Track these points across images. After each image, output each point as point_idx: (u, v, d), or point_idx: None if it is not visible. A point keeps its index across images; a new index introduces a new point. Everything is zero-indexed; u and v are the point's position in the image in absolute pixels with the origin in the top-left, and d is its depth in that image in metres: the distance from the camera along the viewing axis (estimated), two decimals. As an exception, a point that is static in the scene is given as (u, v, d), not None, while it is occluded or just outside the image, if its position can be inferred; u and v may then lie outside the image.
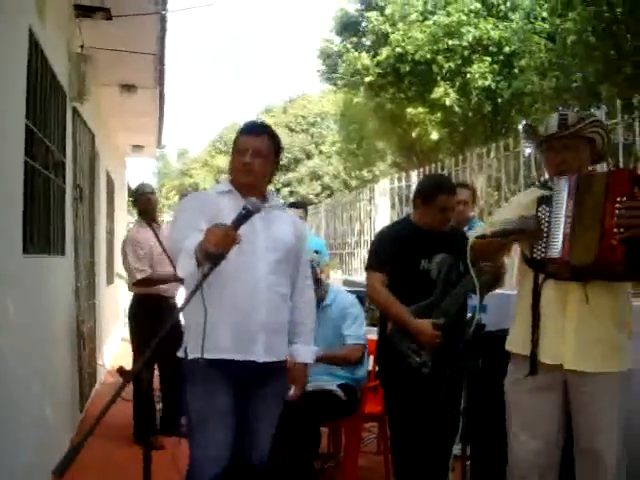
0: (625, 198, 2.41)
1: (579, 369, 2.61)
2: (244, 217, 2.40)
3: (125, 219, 12.52)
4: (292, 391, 2.96)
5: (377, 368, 4.05)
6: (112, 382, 6.74)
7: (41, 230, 4.03)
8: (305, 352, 2.96)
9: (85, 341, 5.76)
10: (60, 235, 4.66)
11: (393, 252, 3.52)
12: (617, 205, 2.41)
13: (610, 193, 2.44)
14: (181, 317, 2.71)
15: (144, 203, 5.33)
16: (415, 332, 3.37)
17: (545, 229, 2.57)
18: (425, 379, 3.36)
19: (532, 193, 2.88)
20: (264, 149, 2.81)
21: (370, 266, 3.64)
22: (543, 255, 2.56)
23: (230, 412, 2.66)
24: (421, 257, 3.51)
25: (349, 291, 4.91)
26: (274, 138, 2.91)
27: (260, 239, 2.73)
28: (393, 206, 9.43)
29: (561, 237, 2.51)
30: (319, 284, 4.23)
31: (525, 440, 2.73)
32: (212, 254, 2.25)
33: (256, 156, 2.77)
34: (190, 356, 2.63)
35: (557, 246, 2.51)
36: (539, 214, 2.60)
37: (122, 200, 12.02)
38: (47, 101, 4.21)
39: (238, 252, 2.44)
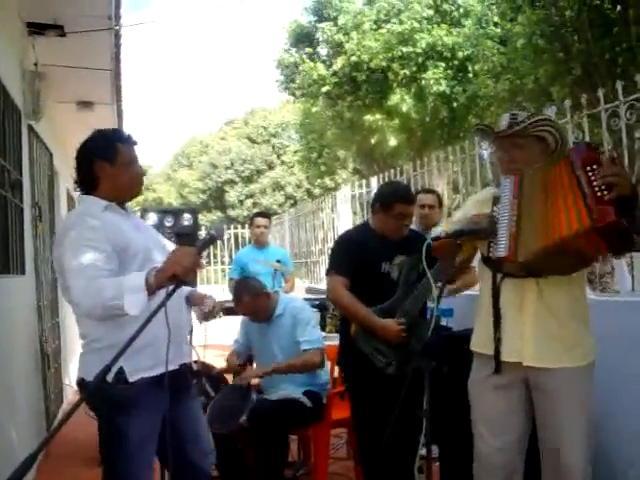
0: (595, 166, 2.37)
1: (537, 365, 2.64)
2: (209, 242, 2.41)
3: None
4: None
5: (341, 372, 4.07)
6: (78, 400, 6.65)
7: (-1, 250, 4.00)
8: None
9: (50, 360, 5.69)
10: (19, 254, 4.62)
11: (354, 256, 3.57)
12: (590, 173, 2.36)
13: (579, 165, 2.40)
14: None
15: None
16: (380, 329, 3.41)
17: (496, 228, 2.61)
18: (390, 380, 3.40)
19: (488, 192, 2.92)
20: None
21: (331, 270, 3.67)
22: (494, 255, 2.61)
23: (159, 426, 2.61)
24: (382, 260, 3.56)
25: (311, 299, 4.94)
26: None
27: (150, 242, 2.67)
28: (355, 213, 9.51)
29: (507, 236, 2.53)
30: (268, 296, 4.24)
31: (489, 438, 2.76)
32: (179, 278, 2.26)
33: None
34: (133, 378, 2.50)
35: (503, 245, 2.53)
36: (494, 213, 2.65)
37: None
38: (1, 120, 4.19)
39: (149, 260, 2.48)
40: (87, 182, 2.65)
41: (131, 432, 2.49)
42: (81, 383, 2.03)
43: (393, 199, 3.58)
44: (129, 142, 2.69)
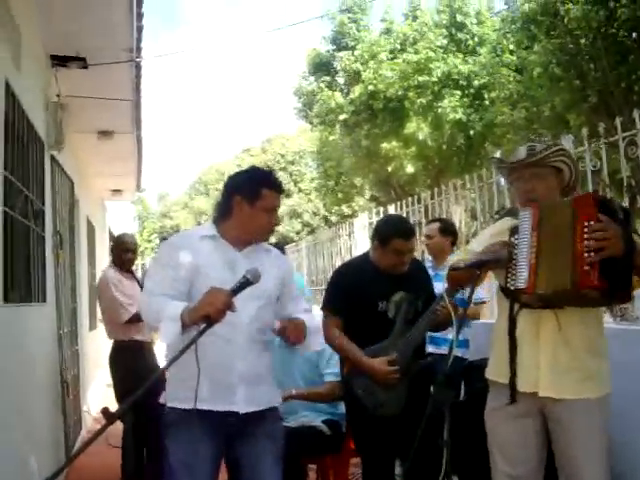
0: (592, 222, 2.42)
1: (554, 396, 2.63)
2: (243, 286, 2.40)
3: (106, 263, 12.48)
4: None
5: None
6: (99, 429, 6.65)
7: (21, 278, 4.05)
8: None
9: (69, 388, 5.72)
10: (41, 283, 4.67)
11: (348, 294, 3.49)
12: (585, 229, 2.42)
13: (578, 218, 2.46)
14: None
15: (126, 260, 5.24)
16: (370, 370, 3.36)
17: (515, 259, 2.62)
18: (385, 419, 3.34)
19: (505, 223, 2.92)
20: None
21: (326, 307, 3.61)
22: (513, 285, 2.62)
23: (210, 461, 2.64)
24: (378, 299, 3.47)
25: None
26: None
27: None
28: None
29: (527, 267, 2.54)
30: None
31: (505, 467, 2.74)
32: (211, 318, 2.29)
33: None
34: (169, 405, 2.63)
35: (523, 276, 2.54)
36: (513, 241, 2.67)
37: (103, 245, 12.00)
38: (25, 151, 4.26)
39: None
40: (222, 211, 2.75)
41: (170, 453, 2.62)
42: (105, 411, 2.06)
43: (390, 234, 3.49)
44: (277, 190, 2.72)
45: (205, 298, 2.35)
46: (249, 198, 2.65)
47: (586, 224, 2.43)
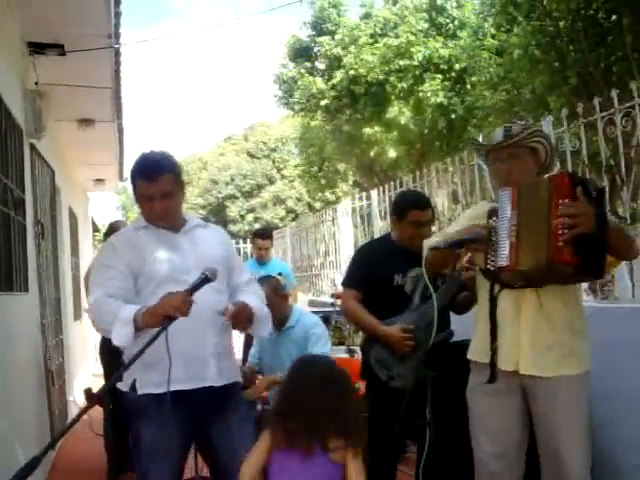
0: (567, 200, 2.47)
1: (534, 374, 2.68)
2: (202, 283, 2.47)
3: (90, 254, 12.43)
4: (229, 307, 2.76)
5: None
6: (84, 418, 6.65)
7: (3, 268, 4.02)
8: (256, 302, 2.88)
9: (54, 378, 5.70)
10: (23, 272, 4.64)
11: (366, 269, 3.56)
12: (559, 207, 2.47)
13: (553, 196, 2.50)
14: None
15: None
16: (383, 337, 3.39)
17: (495, 239, 2.66)
18: (399, 392, 3.30)
19: (482, 207, 2.98)
20: (169, 188, 2.73)
21: (345, 282, 3.72)
22: (494, 265, 2.65)
23: (182, 445, 2.69)
24: (394, 272, 3.50)
25: (314, 312, 4.94)
26: (173, 169, 2.78)
27: (191, 263, 2.69)
28: (356, 226, 9.53)
29: (507, 246, 2.58)
30: (286, 297, 4.31)
31: (485, 444, 2.79)
32: (172, 317, 2.38)
33: (164, 198, 2.72)
34: (140, 391, 2.63)
35: (504, 254, 2.58)
36: (491, 224, 2.70)
37: (86, 235, 11.93)
38: (3, 139, 4.23)
39: (174, 282, 2.55)
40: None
41: (143, 439, 2.65)
42: (87, 391, 2.11)
43: (406, 206, 3.55)
44: (145, 178, 2.72)
45: (162, 301, 2.43)
46: (134, 192, 2.81)
47: (560, 202, 2.47)
